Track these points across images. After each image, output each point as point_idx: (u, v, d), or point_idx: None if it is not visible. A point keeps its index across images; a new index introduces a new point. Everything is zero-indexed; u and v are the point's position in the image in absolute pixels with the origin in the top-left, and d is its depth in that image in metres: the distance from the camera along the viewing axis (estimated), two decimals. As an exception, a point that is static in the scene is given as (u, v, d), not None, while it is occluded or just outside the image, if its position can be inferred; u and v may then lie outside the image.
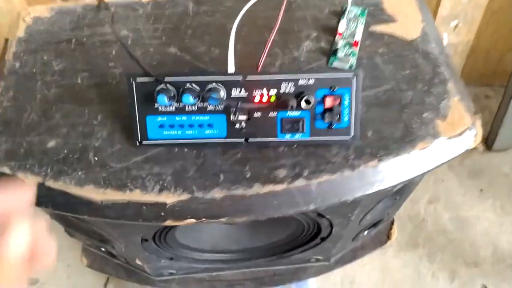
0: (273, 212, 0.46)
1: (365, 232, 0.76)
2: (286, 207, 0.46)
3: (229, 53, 0.49)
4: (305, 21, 0.59)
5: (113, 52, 0.57)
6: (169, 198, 0.46)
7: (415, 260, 1.13)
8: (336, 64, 0.55)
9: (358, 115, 0.48)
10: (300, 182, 0.47)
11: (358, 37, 0.56)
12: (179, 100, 0.46)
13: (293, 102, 0.45)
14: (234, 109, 0.46)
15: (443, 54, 0.58)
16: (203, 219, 0.46)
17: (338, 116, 0.47)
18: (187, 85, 0.46)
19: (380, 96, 0.53)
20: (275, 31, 0.52)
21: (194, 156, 0.48)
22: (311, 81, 0.46)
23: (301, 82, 0.46)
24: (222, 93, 0.46)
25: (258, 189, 0.46)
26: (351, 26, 0.58)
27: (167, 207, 0.46)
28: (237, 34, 0.58)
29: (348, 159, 0.48)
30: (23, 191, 0.24)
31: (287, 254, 0.72)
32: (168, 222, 0.46)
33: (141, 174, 0.47)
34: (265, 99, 0.47)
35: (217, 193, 0.46)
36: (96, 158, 0.48)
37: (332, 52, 0.56)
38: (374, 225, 0.75)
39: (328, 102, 0.46)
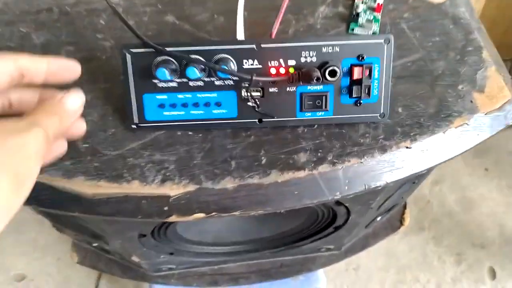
0: (294, 203, 0.40)
1: (379, 218, 0.71)
2: (308, 197, 0.40)
3: (238, 16, 0.42)
4: (319, -16, 0.52)
5: (102, 22, 0.49)
6: (173, 190, 0.39)
7: (421, 244, 1.10)
8: (357, 31, 0.49)
9: (389, 88, 0.41)
10: (324, 168, 0.40)
11: (380, 0, 0.50)
12: (182, 75, 0.39)
13: (316, 74, 0.38)
14: (247, 84, 0.39)
15: (474, 19, 0.52)
16: (214, 214, 0.39)
17: (367, 89, 0.40)
18: (192, 56, 0.39)
19: (409, 67, 0.46)
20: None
21: (201, 140, 0.42)
22: (336, 49, 0.40)
23: (324, 50, 0.40)
24: (232, 65, 0.39)
25: (276, 176, 0.40)
26: (371, -11, 0.51)
27: (171, 200, 0.39)
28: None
29: (378, 139, 0.42)
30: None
31: (296, 244, 0.67)
32: (173, 218, 0.39)
33: (140, 162, 0.40)
34: (282, 71, 0.40)
35: (228, 183, 0.40)
36: (86, 145, 0.41)
37: (352, 17, 0.49)
38: (388, 210, 0.70)
39: (356, 73, 0.40)
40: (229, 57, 0.39)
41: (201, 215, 0.39)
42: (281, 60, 0.40)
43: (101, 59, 0.47)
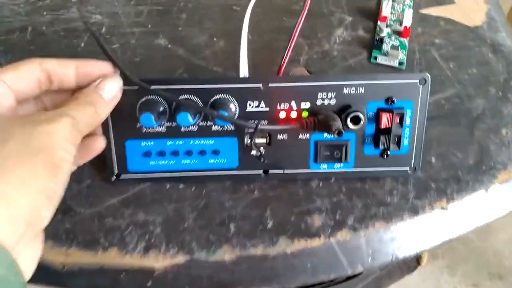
0: (306, 278, 0.33)
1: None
2: (324, 271, 0.33)
3: (241, 48, 0.35)
4: (336, 2, 0.45)
5: (82, 45, 0.42)
6: (159, 262, 0.32)
7: (435, 274, 1.02)
8: (381, 60, 0.41)
9: (422, 137, 0.34)
10: (343, 234, 0.33)
11: (407, 22, 0.42)
12: (171, 119, 0.32)
13: (337, 125, 0.31)
14: (252, 133, 0.32)
15: (517, 47, 0.44)
16: (208, 290, 0.32)
17: (397, 140, 0.33)
18: (183, 98, 0.32)
19: (443, 106, 0.39)
20: (303, 18, 0.37)
21: (194, 195, 0.34)
22: (361, 90, 0.32)
23: (346, 91, 0.32)
24: (233, 108, 0.32)
25: (284, 245, 0.33)
26: (397, 8, 0.44)
27: (155, 274, 0.32)
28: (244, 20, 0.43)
29: (408, 198, 0.35)
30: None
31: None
32: (158, 294, 0.32)
33: (120, 223, 0.33)
34: (294, 114, 0.33)
35: (226, 253, 0.32)
36: (54, 199, 0.34)
37: (374, 43, 0.42)
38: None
39: (385, 121, 0.32)
40: (230, 97, 0.32)
41: (192, 291, 0.32)
42: (293, 103, 0.33)
43: (79, 91, 0.39)
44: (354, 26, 0.44)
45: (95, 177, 0.35)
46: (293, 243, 0.33)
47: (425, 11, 0.45)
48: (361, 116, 0.31)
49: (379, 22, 0.43)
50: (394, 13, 0.44)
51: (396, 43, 0.42)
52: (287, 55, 0.36)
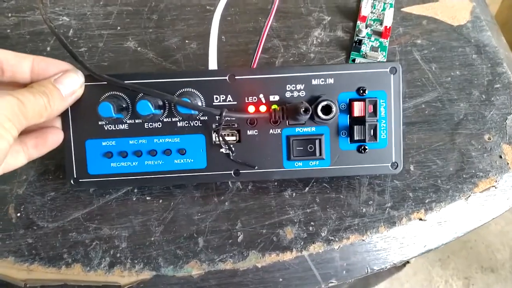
0: (278, 293, 0.32)
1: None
2: (297, 286, 0.32)
3: (210, 42, 0.33)
4: (314, 0, 0.43)
5: (48, 49, 0.40)
6: (124, 278, 0.31)
7: (427, 267, 1.02)
8: (360, 62, 0.40)
9: (400, 130, 0.32)
10: (317, 248, 0.32)
11: (387, 22, 0.41)
12: (134, 115, 0.31)
13: (304, 105, 0.29)
14: (218, 124, 0.31)
15: (502, 46, 0.43)
16: (175, 307, 0.31)
17: (373, 131, 0.32)
18: (143, 88, 0.30)
19: (423, 110, 0.38)
20: (273, 15, 0.35)
21: (161, 208, 0.33)
22: (330, 80, 0.31)
23: (315, 82, 0.31)
24: (199, 102, 0.31)
25: (255, 259, 0.32)
26: (377, 7, 0.42)
27: (121, 291, 0.31)
28: (222, 19, 0.42)
29: (385, 208, 0.33)
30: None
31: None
32: (124, 312, 0.31)
33: (84, 238, 0.32)
34: (263, 108, 0.31)
35: (194, 269, 0.31)
36: (18, 214, 0.33)
37: (353, 44, 0.40)
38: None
39: (357, 110, 0.31)
40: (195, 91, 0.31)
41: (159, 308, 0.31)
42: (261, 96, 0.31)
43: (44, 98, 0.38)
44: (333, 26, 0.42)
45: (59, 189, 0.33)
46: (264, 257, 0.32)
47: (407, 9, 0.43)
48: (332, 105, 0.30)
49: (358, 22, 0.41)
50: (375, 12, 0.42)
51: (376, 44, 0.40)
52: (258, 50, 0.35)
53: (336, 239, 0.32)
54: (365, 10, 0.41)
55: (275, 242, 0.32)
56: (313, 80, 0.31)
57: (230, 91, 0.31)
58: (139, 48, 0.40)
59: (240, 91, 0.31)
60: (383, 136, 0.32)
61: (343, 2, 0.43)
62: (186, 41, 0.41)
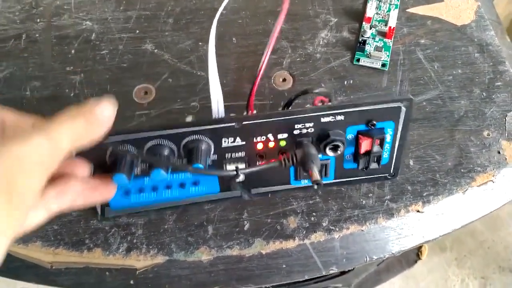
0: (281, 278, 0.34)
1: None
2: (299, 272, 0.34)
3: (210, 80, 0.34)
4: (322, 2, 0.45)
5: (73, 52, 0.44)
6: (140, 262, 0.34)
7: (443, 266, 1.02)
8: (364, 62, 0.41)
9: (402, 150, 0.33)
10: (318, 236, 0.34)
11: (392, 23, 0.42)
12: (146, 169, 0.31)
13: (314, 165, 0.30)
14: (228, 160, 0.32)
15: (506, 45, 0.44)
16: (186, 289, 0.34)
17: (376, 158, 0.33)
18: (154, 142, 0.30)
19: (424, 107, 0.39)
20: (280, 24, 0.37)
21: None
22: (340, 117, 0.31)
23: (324, 120, 0.31)
24: (208, 146, 0.31)
25: (260, 247, 0.34)
26: (383, 8, 0.44)
27: (137, 273, 0.34)
28: (232, 22, 0.44)
29: (384, 200, 0.35)
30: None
31: (300, 284, 0.61)
32: (140, 293, 0.34)
33: (104, 225, 0.35)
34: (271, 144, 0.32)
35: (204, 254, 0.34)
36: (44, 202, 0.36)
37: (358, 44, 0.42)
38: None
39: (364, 146, 0.32)
40: (204, 137, 0.31)
41: (172, 290, 0.34)
42: (270, 135, 0.31)
43: (69, 97, 0.41)
44: (339, 27, 0.44)
45: (82, 181, 0.36)
46: (268, 244, 0.34)
47: (412, 10, 0.45)
48: (340, 145, 0.31)
49: (363, 23, 0.43)
50: (380, 14, 0.44)
51: (380, 44, 0.42)
52: (259, 75, 0.35)
53: (337, 229, 0.34)
54: (370, 11, 0.43)
55: (279, 230, 0.34)
56: (322, 118, 0.31)
57: (238, 134, 0.31)
58: (156, 50, 0.43)
59: (248, 134, 0.31)
60: (385, 155, 0.34)
61: (349, 4, 0.45)
62: (199, 43, 0.43)
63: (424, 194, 0.35)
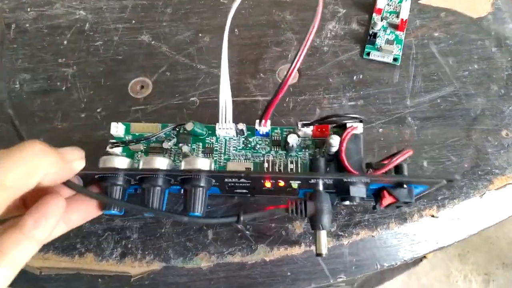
0: (285, 286, 0.32)
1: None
2: (305, 280, 0.32)
3: (221, 82, 0.31)
4: (329, -7, 0.43)
5: (65, 42, 0.41)
6: (135, 268, 0.32)
7: (445, 262, 1.00)
8: (374, 55, 0.39)
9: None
10: (325, 243, 0.32)
11: (404, 15, 0.40)
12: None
13: (326, 203, 0.27)
14: (230, 188, 0.30)
15: (524, 39, 0.41)
16: (185, 298, 0.32)
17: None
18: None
19: (438, 105, 0.37)
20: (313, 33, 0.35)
21: (171, 198, 0.34)
22: (366, 180, 0.27)
23: (347, 180, 0.27)
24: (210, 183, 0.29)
25: (263, 253, 0.32)
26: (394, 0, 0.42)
27: (132, 280, 0.31)
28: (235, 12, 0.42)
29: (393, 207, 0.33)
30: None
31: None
32: (135, 301, 0.32)
33: (97, 229, 0.33)
34: (281, 183, 0.28)
35: (203, 261, 0.32)
36: (33, 203, 0.34)
37: (368, 37, 0.40)
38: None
39: (388, 201, 0.28)
40: (205, 178, 0.28)
41: (169, 299, 0.32)
42: (280, 181, 0.28)
43: (60, 91, 0.39)
44: (348, 19, 0.41)
45: (74, 181, 0.34)
46: (272, 251, 0.32)
47: (425, 1, 0.42)
48: (358, 200, 0.28)
49: (374, 15, 0.40)
50: (391, 5, 0.41)
51: (392, 37, 0.40)
52: (290, 74, 0.30)
53: (346, 235, 0.32)
54: (381, 3, 0.41)
55: (283, 236, 0.32)
56: (344, 178, 0.27)
57: (246, 180, 0.28)
58: (153, 42, 0.40)
59: (255, 180, 0.28)
60: None
61: (358, -6, 0.43)
62: (200, 35, 0.41)
63: (439, 198, 0.33)
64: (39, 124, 0.37)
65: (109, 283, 0.32)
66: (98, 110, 0.38)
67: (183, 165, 0.28)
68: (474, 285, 0.98)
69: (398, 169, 0.29)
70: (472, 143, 0.35)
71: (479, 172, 0.34)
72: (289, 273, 0.32)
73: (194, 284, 0.31)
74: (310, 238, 0.32)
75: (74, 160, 0.23)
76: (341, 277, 0.32)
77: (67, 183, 0.24)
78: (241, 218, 0.27)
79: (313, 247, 0.32)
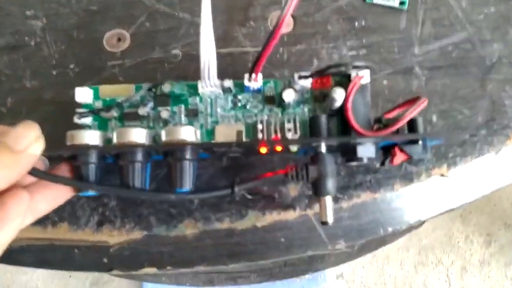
0: (279, 254, 0.29)
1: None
2: (300, 246, 0.29)
3: (201, 34, 0.28)
4: None
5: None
6: (113, 237, 0.29)
7: (447, 222, 0.98)
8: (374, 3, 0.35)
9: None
10: (323, 206, 0.29)
11: (411, -48, 0.35)
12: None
13: (330, 167, 0.25)
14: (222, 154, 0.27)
15: (546, -23, 0.37)
16: (168, 268, 0.29)
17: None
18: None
19: (450, 53, 0.33)
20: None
21: (153, 163, 0.30)
22: (375, 140, 0.25)
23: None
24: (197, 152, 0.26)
25: (254, 219, 0.29)
26: None
27: (111, 250, 0.29)
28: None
29: (401, 163, 0.30)
30: None
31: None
32: (115, 272, 0.29)
33: (71, 196, 0.30)
34: (278, 148, 0.27)
35: (189, 228, 0.29)
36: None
37: (371, -20, 0.35)
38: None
39: (399, 158, 0.26)
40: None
41: (152, 269, 0.29)
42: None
43: (29, 46, 0.35)
44: (348, -43, 0.37)
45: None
46: (264, 216, 0.29)
47: None
48: (366, 160, 0.25)
49: (377, -48, 0.36)
50: None
51: (397, -24, 0.35)
52: (281, 23, 0.26)
53: (346, 197, 0.29)
54: None
55: (276, 199, 0.29)
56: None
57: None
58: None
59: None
60: None
61: None
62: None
63: (450, 155, 0.30)
64: (7, 83, 0.34)
65: (86, 253, 0.29)
66: (71, 66, 0.34)
67: (163, 136, 0.25)
68: (475, 246, 0.97)
69: (411, 123, 0.25)
70: (487, 94, 0.32)
71: (495, 127, 0.31)
72: (282, 239, 0.29)
73: (179, 253, 0.29)
74: (306, 201, 0.29)
75: (29, 146, 0.19)
76: (340, 243, 0.29)
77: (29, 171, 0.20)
78: (236, 189, 0.23)
79: (309, 211, 0.29)
